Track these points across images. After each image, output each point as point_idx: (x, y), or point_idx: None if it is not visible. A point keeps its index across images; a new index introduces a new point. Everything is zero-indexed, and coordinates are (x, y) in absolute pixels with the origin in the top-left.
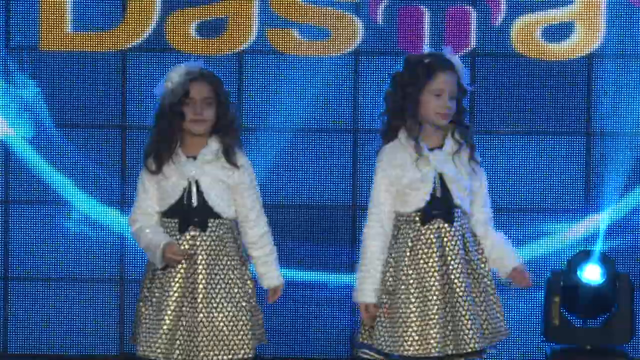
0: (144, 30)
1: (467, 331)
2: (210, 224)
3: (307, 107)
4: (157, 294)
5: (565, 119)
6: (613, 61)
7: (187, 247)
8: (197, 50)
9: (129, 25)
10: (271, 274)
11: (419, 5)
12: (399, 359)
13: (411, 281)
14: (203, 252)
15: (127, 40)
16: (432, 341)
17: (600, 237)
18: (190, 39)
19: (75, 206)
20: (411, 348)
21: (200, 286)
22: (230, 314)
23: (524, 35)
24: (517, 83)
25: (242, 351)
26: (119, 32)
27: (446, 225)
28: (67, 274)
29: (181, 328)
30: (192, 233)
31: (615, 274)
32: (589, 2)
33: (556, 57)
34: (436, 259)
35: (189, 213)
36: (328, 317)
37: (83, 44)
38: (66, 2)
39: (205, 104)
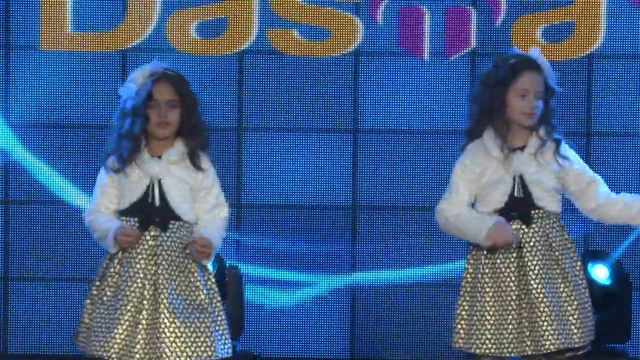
0: (144, 31)
1: (543, 332)
2: (171, 226)
3: (307, 107)
4: (108, 293)
5: (565, 119)
6: (613, 61)
7: (146, 247)
8: (197, 51)
9: (129, 25)
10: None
11: (419, 5)
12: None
13: (487, 280)
14: (164, 253)
15: (127, 40)
16: (505, 341)
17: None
18: (190, 39)
19: (75, 206)
20: (484, 346)
21: (162, 287)
22: (192, 316)
23: (524, 35)
24: None
25: (205, 354)
26: (119, 32)
27: (524, 226)
28: (67, 274)
29: (141, 330)
30: (152, 233)
31: (623, 276)
32: (589, 2)
33: (556, 57)
34: (512, 260)
35: (150, 212)
36: (328, 317)
37: (83, 44)
38: (66, 2)
39: (169, 107)
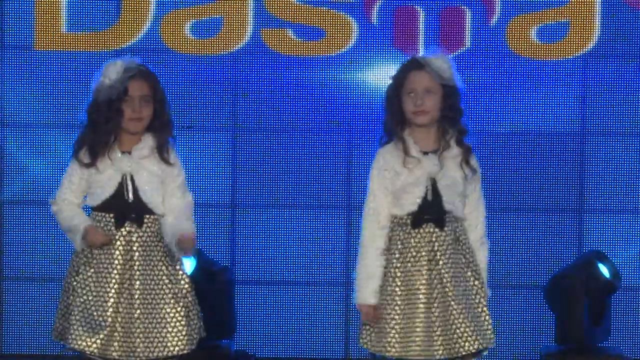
0: (138, 30)
1: (460, 334)
2: (145, 220)
3: (301, 107)
4: (90, 288)
5: (560, 119)
6: (607, 61)
7: (123, 242)
8: (192, 50)
9: (124, 25)
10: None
11: (414, 5)
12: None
13: (398, 283)
14: (140, 248)
15: (122, 40)
16: (412, 345)
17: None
18: (185, 39)
19: None
20: (392, 350)
21: (137, 282)
22: (164, 310)
23: (519, 35)
24: (512, 83)
25: (177, 347)
26: (114, 32)
27: (437, 230)
28: (62, 274)
29: (118, 325)
30: (128, 229)
31: (617, 274)
32: (584, 1)
33: (551, 57)
34: (424, 264)
35: (125, 208)
36: (322, 317)
37: (77, 44)
38: (61, 2)
39: (144, 102)
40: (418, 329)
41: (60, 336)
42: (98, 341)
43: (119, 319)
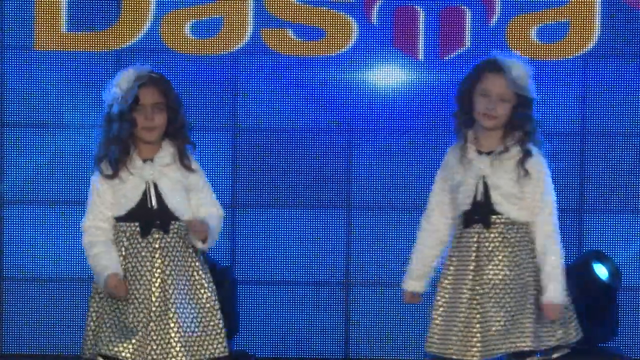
0: (138, 30)
1: (497, 335)
2: (172, 227)
3: (301, 107)
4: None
5: (560, 119)
6: (607, 61)
7: (149, 250)
8: (192, 50)
9: (124, 25)
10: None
11: (414, 5)
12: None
13: (448, 281)
14: (168, 254)
15: (122, 40)
16: (449, 344)
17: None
18: (185, 39)
19: (69, 206)
20: (433, 346)
21: (171, 287)
22: (200, 315)
23: (519, 35)
24: None
25: (217, 350)
26: (114, 32)
27: (485, 231)
28: (62, 274)
29: (152, 333)
30: (155, 236)
31: (619, 276)
32: (584, 1)
33: (551, 57)
34: (471, 263)
35: (150, 216)
36: (322, 317)
37: (77, 44)
38: (61, 2)
39: (156, 109)
40: (456, 328)
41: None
42: (131, 347)
43: (154, 327)
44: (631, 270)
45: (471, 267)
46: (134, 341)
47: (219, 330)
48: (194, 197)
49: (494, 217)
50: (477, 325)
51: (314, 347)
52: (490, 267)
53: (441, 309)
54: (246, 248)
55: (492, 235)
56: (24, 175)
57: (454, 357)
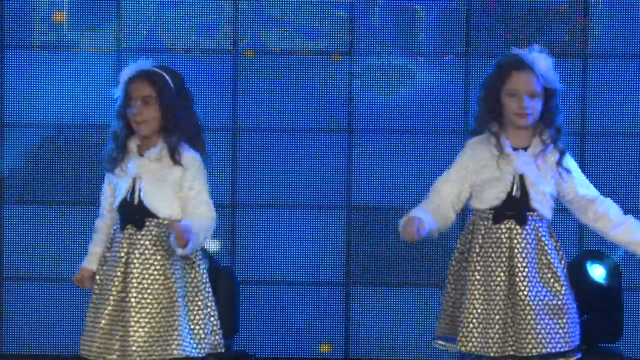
0: (138, 30)
1: (525, 335)
2: (147, 223)
3: (301, 107)
4: (94, 297)
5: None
6: (607, 61)
7: (124, 245)
8: (192, 50)
9: (124, 25)
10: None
11: (414, 5)
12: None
13: (478, 277)
14: (137, 251)
15: (122, 40)
16: (490, 341)
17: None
18: (185, 39)
19: (70, 206)
20: (469, 344)
21: (133, 285)
22: (160, 314)
23: (518, 35)
24: None
25: (166, 351)
26: (114, 32)
27: (518, 227)
28: (62, 274)
29: (119, 330)
30: (129, 231)
31: (618, 275)
32: (583, 1)
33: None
34: (504, 260)
35: (130, 211)
36: (322, 317)
37: (78, 43)
38: (61, 1)
39: (145, 103)
40: (497, 326)
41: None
42: (100, 348)
43: (119, 324)
44: (631, 271)
45: (504, 265)
46: (98, 339)
47: (172, 331)
48: (180, 192)
49: (528, 213)
50: (529, 321)
51: (314, 348)
52: (524, 263)
53: (477, 306)
54: (246, 248)
55: (525, 231)
56: (24, 175)
57: (495, 355)
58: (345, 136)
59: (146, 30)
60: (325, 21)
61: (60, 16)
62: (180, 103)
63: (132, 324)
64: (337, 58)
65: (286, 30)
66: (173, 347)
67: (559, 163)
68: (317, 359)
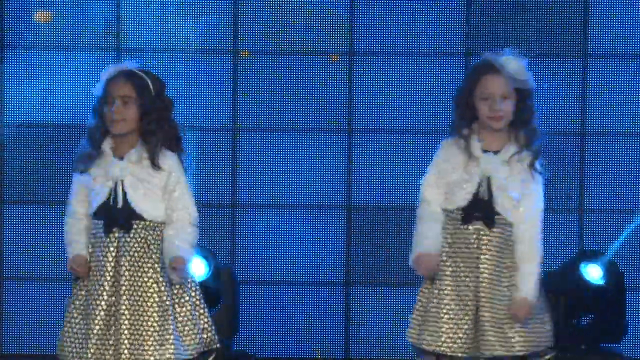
0: (139, 30)
1: (487, 337)
2: (135, 226)
3: (301, 107)
4: (82, 299)
5: (560, 119)
6: (607, 61)
7: (110, 249)
8: (192, 50)
9: (124, 25)
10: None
11: (414, 5)
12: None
13: (448, 278)
14: (127, 254)
15: (122, 40)
16: (459, 342)
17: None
18: (185, 38)
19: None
20: (444, 346)
21: (123, 288)
22: (152, 318)
23: (518, 35)
24: None
25: (172, 357)
26: (114, 32)
27: (485, 228)
28: (62, 274)
29: (111, 336)
30: (116, 235)
31: (618, 276)
32: (583, 1)
33: (550, 57)
34: (473, 260)
35: (114, 214)
36: (322, 317)
37: (78, 44)
38: (61, 1)
39: (123, 103)
40: (466, 326)
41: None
42: (92, 357)
43: (111, 330)
44: (631, 271)
45: (473, 266)
46: (92, 347)
47: (167, 335)
48: (163, 197)
49: (496, 217)
50: (486, 323)
51: (314, 348)
52: (486, 265)
53: (447, 308)
54: (246, 248)
55: (492, 234)
56: (24, 175)
57: (464, 356)
58: (345, 136)
59: (146, 30)
60: (325, 21)
61: (60, 16)
62: (159, 107)
63: (125, 332)
64: (337, 58)
65: (286, 31)
66: (167, 355)
67: (533, 166)
68: (317, 359)
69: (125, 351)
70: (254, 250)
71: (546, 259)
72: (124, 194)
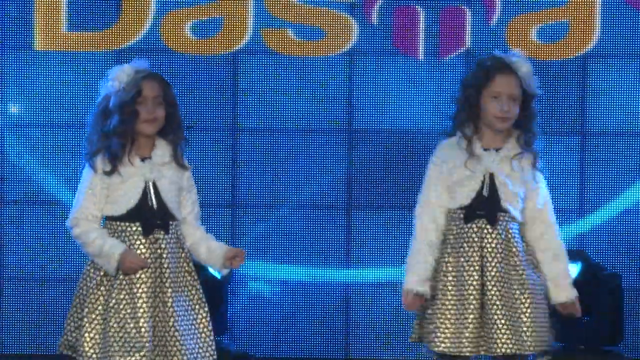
0: (138, 30)
1: (496, 335)
2: (171, 226)
3: (301, 107)
4: (126, 303)
5: (560, 119)
6: (607, 61)
7: (151, 250)
8: (192, 50)
9: (124, 25)
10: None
11: (414, 5)
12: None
13: (450, 278)
14: (168, 255)
15: (122, 40)
16: (464, 340)
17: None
18: (185, 38)
19: (68, 206)
20: (442, 345)
21: (170, 290)
22: (199, 316)
23: (519, 35)
24: None
25: (208, 352)
26: (114, 32)
27: (489, 226)
28: (61, 274)
29: (156, 337)
30: (156, 236)
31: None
32: (584, 1)
33: (551, 57)
34: (477, 259)
35: (151, 216)
36: (322, 316)
37: (78, 44)
38: (61, 1)
39: (157, 103)
40: (471, 326)
41: (72, 349)
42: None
43: (156, 332)
44: (631, 271)
45: (477, 264)
46: (142, 353)
47: (208, 333)
48: (185, 197)
49: (499, 214)
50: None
51: (314, 348)
52: (494, 263)
53: (450, 307)
54: (246, 248)
55: (495, 231)
56: (24, 175)
57: (468, 354)
58: (345, 136)
59: (146, 30)
60: (325, 21)
61: (60, 16)
62: (176, 107)
63: (174, 331)
64: (337, 58)
65: (286, 31)
66: (209, 349)
67: (535, 165)
68: (317, 358)
69: (177, 354)
70: (253, 250)
71: None
72: (157, 194)
